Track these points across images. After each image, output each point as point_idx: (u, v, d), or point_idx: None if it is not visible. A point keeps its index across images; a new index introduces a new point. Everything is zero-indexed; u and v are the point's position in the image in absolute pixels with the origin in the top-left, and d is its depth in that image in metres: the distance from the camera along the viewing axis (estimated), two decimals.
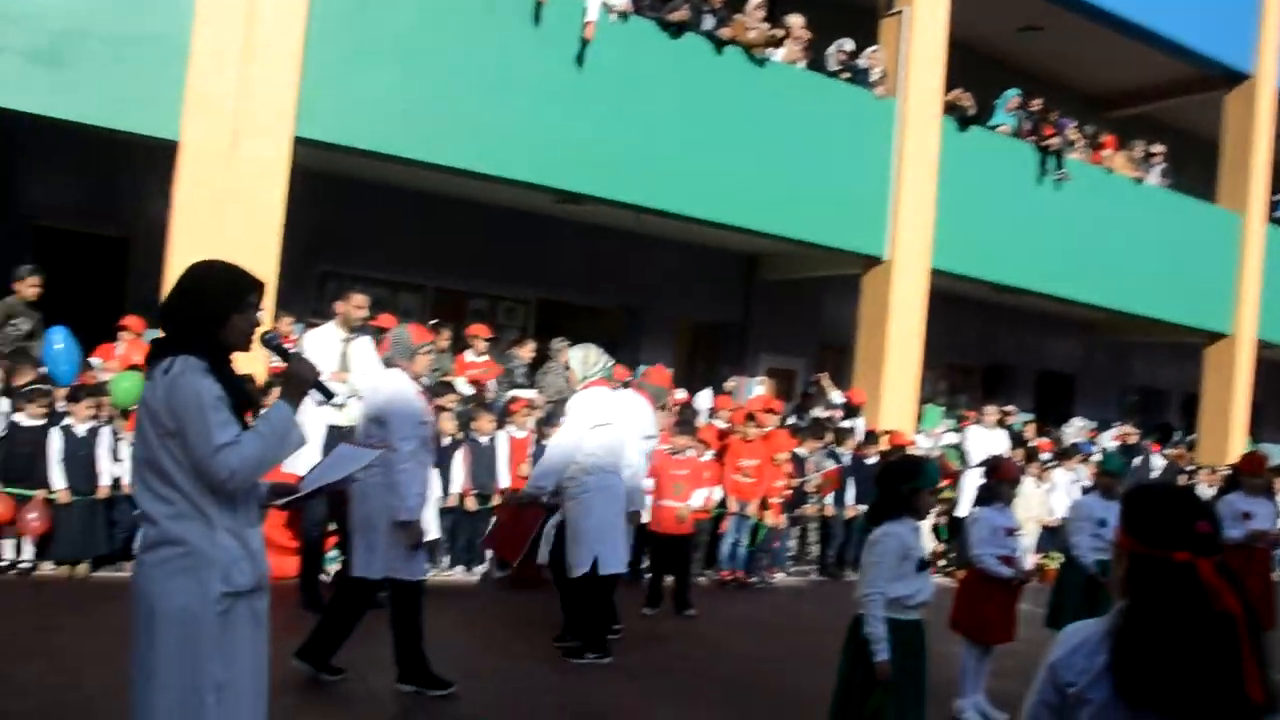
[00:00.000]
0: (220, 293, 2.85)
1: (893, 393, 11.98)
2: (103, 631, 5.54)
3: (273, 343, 3.00)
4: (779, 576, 9.32)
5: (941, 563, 10.22)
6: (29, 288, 7.47)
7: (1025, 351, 18.11)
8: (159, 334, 2.89)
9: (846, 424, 10.83)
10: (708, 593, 8.38)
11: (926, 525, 9.50)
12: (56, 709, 4.40)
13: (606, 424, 5.86)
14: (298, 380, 2.91)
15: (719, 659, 6.43)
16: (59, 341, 7.22)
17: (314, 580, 6.65)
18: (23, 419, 6.76)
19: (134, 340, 8.01)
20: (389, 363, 5.25)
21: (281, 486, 3.14)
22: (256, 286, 2.92)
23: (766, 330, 15.05)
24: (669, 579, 7.68)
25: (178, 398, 2.66)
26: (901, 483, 4.18)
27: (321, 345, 6.56)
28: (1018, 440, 11.81)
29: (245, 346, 2.91)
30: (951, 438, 11.61)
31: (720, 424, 9.92)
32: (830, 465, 9.54)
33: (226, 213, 8.19)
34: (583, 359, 6.15)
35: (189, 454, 2.67)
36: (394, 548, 4.88)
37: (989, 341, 17.59)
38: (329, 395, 3.40)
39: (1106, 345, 18.76)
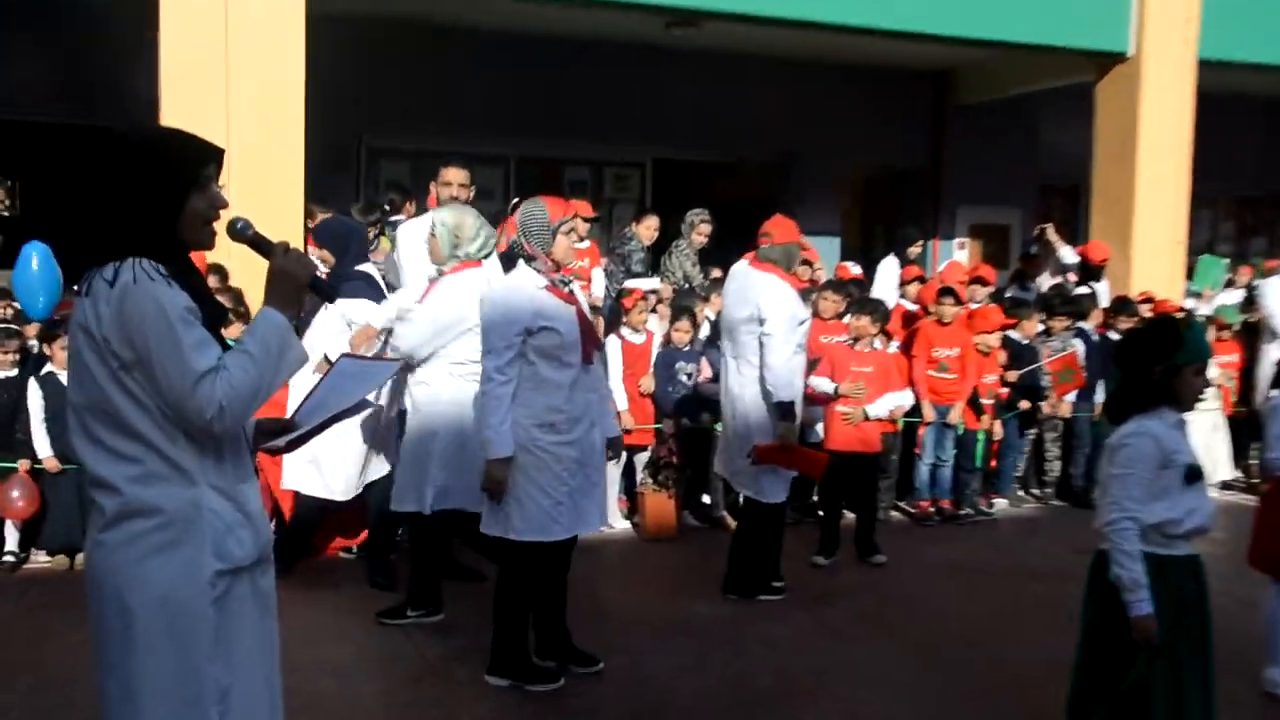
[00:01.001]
0: (169, 168, 2.67)
1: (1148, 242, 11.31)
2: None
3: (245, 233, 2.81)
4: (999, 504, 9.07)
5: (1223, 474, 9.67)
6: None
7: None
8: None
9: (1083, 290, 10.24)
10: (901, 531, 8.27)
11: (1198, 419, 8.89)
12: None
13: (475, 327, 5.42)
14: (287, 279, 2.76)
15: (915, 620, 6.29)
16: (35, 263, 7.22)
17: (386, 548, 6.66)
18: None
19: None
20: (512, 251, 5.12)
21: (271, 423, 3.02)
22: (215, 155, 2.76)
23: (966, 174, 14.57)
24: (848, 515, 7.52)
25: (133, 315, 2.51)
26: (1152, 359, 3.76)
27: (418, 242, 6.37)
28: None
29: (208, 241, 2.76)
30: (1237, 297, 10.84)
31: (907, 303, 9.53)
32: (1073, 347, 9.00)
33: (232, 80, 8.14)
34: (454, 226, 5.78)
35: (157, 390, 2.54)
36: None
37: None
38: (330, 295, 3.22)
39: None
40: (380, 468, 6.55)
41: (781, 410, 6.21)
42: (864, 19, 10.35)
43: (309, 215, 8.71)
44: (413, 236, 6.47)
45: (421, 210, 7.85)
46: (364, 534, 6.95)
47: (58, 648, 5.32)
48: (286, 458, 6.11)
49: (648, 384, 7.98)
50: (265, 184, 8.12)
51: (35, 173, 8.60)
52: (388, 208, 8.82)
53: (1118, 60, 11.51)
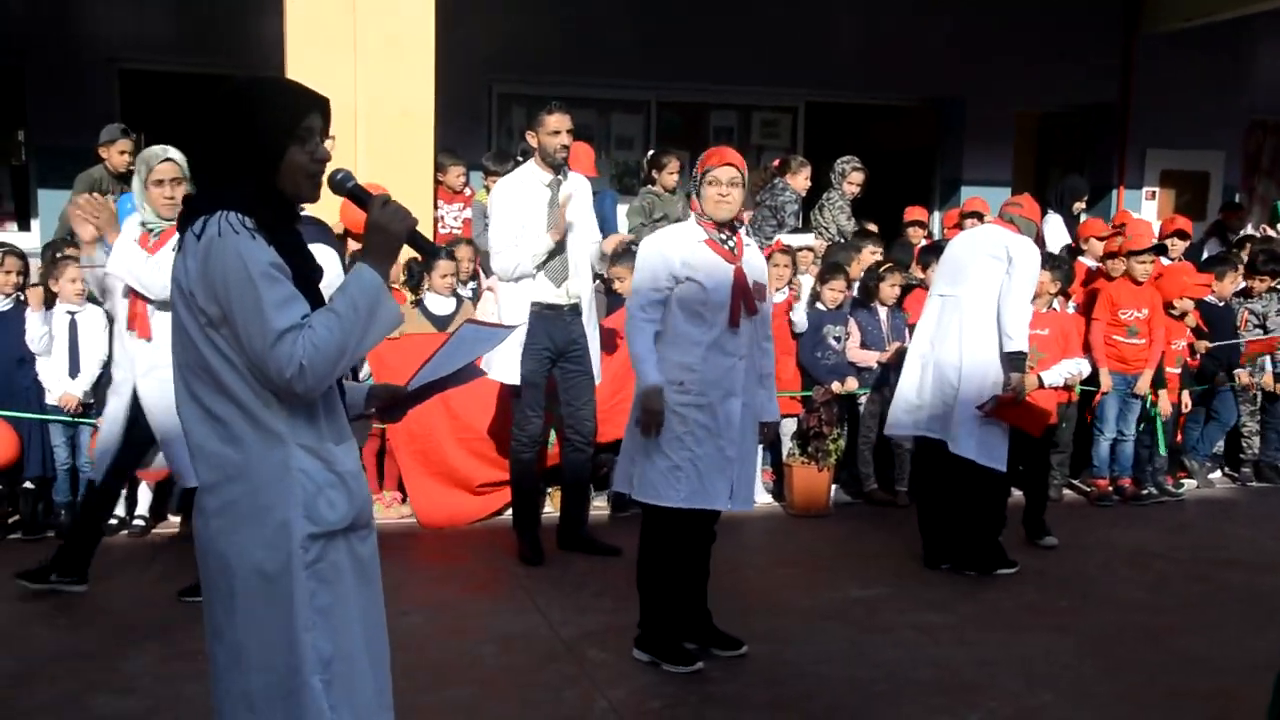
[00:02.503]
0: (265, 119, 2.75)
1: None
2: None
3: (346, 185, 2.91)
4: (1188, 485, 8.82)
5: None
6: (118, 154, 7.87)
7: None
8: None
9: None
10: (1075, 511, 8.14)
11: None
12: (168, 707, 4.71)
13: None
14: (383, 233, 2.80)
15: (1091, 611, 6.15)
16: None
17: (532, 520, 6.75)
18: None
19: None
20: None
21: (384, 388, 3.13)
22: (319, 105, 2.82)
23: (1157, 113, 14.07)
24: (1016, 494, 7.39)
25: (216, 269, 2.59)
26: None
27: (519, 197, 6.47)
28: None
29: (310, 194, 2.85)
30: None
31: (1089, 261, 9.27)
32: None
33: (360, 26, 8.30)
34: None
35: (241, 348, 2.63)
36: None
37: None
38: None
39: None
40: None
41: (1014, 361, 6.41)
42: None
43: (439, 168, 8.87)
44: (507, 193, 6.53)
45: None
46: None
47: (186, 615, 5.54)
48: None
49: None
50: (394, 135, 8.33)
51: (161, 124, 8.89)
52: (520, 158, 8.94)
53: None
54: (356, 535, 2.87)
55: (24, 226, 11.33)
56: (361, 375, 7.12)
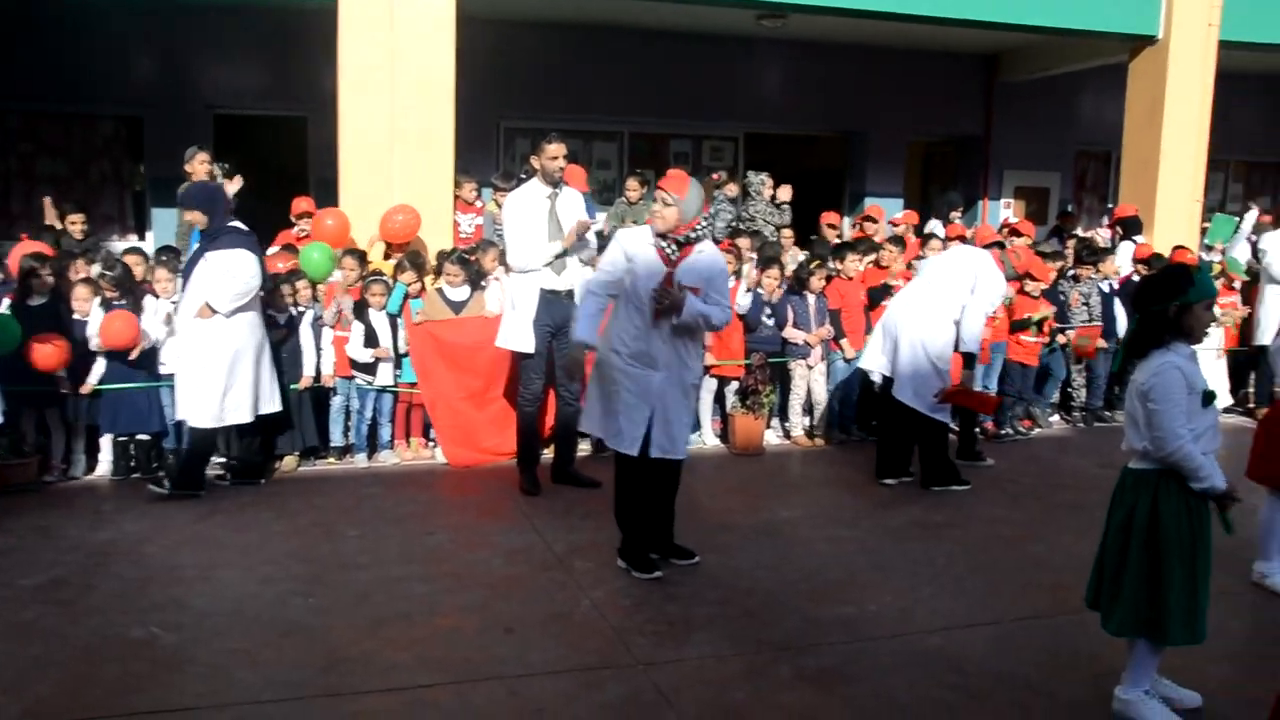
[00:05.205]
0: None
1: (1169, 201, 10.80)
2: (303, 531, 5.82)
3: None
4: (1037, 430, 8.75)
5: (1224, 402, 9.31)
6: (200, 165, 7.66)
7: None
8: None
9: (1103, 243, 9.88)
10: (949, 447, 7.90)
11: (1203, 354, 8.56)
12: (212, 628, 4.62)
13: None
14: None
15: (964, 526, 6.10)
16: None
17: (532, 460, 6.63)
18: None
19: (320, 215, 8.11)
20: None
21: None
22: None
23: (1012, 143, 14.06)
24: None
25: None
26: (1168, 298, 3.59)
27: (526, 206, 6.37)
28: None
29: None
30: (1246, 251, 10.31)
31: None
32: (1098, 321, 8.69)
33: (396, 74, 8.16)
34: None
35: None
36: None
37: None
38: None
39: None
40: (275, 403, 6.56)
41: (969, 361, 6.74)
42: (927, 9, 9.95)
43: (456, 184, 8.74)
44: (517, 204, 6.42)
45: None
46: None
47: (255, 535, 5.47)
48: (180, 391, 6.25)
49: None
50: (422, 159, 8.22)
51: (242, 154, 8.79)
52: (523, 176, 8.83)
53: (1148, 43, 10.91)
54: None
55: (141, 236, 11.38)
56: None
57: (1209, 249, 10.53)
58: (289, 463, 6.99)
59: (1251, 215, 10.87)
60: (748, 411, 7.64)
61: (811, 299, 8.02)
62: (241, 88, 11.23)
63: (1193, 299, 3.58)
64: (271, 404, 6.51)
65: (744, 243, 8.47)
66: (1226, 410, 9.28)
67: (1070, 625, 4.47)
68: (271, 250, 7.81)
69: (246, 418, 6.34)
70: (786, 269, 8.22)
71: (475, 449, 7.20)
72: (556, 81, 11.86)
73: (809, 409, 8.12)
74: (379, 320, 7.16)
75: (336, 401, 7.16)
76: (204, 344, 6.13)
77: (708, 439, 7.88)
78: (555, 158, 6.34)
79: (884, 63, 12.97)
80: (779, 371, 7.96)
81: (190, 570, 5.05)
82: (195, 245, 6.30)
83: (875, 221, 10.21)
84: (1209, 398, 3.63)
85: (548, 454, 6.96)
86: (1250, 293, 9.63)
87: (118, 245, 10.22)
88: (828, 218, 10.31)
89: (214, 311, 6.08)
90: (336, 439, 7.18)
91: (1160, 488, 3.61)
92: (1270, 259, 9.19)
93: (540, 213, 6.35)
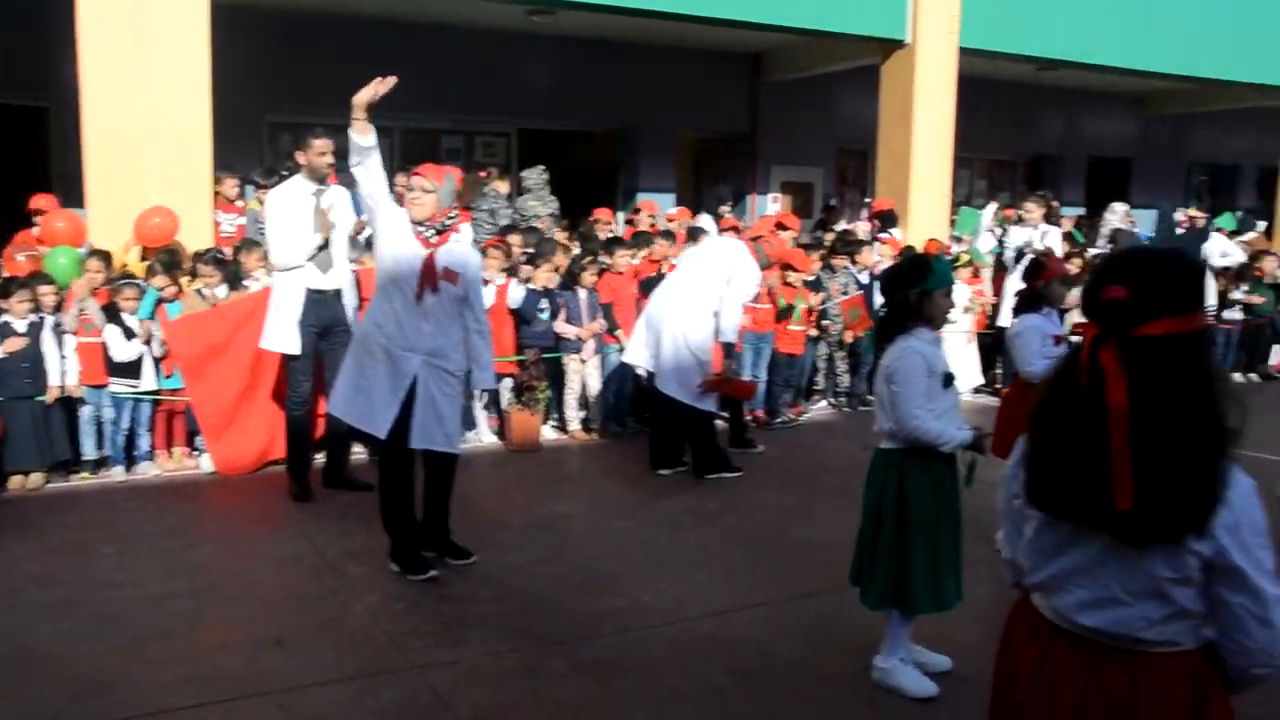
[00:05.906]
0: None
1: (921, 195, 11.55)
2: (52, 551, 5.45)
3: None
4: (805, 416, 9.06)
5: (974, 382, 10.01)
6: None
7: (1074, 138, 17.42)
8: None
9: (862, 236, 10.42)
10: (721, 435, 8.04)
11: (953, 337, 9.16)
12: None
13: None
14: None
15: (738, 512, 6.28)
16: None
17: (303, 464, 6.44)
18: None
19: (50, 217, 7.57)
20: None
21: None
22: None
23: (777, 139, 14.59)
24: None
25: None
26: (909, 286, 3.85)
27: (290, 202, 6.13)
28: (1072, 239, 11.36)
29: None
30: (990, 241, 11.14)
31: None
32: (857, 290, 9.12)
33: (146, 63, 7.69)
34: None
35: None
36: None
37: (1031, 130, 16.91)
38: None
39: (1164, 121, 17.95)
40: None
41: (728, 350, 6.89)
42: (690, 8, 10.25)
43: (217, 182, 8.34)
44: (279, 200, 6.21)
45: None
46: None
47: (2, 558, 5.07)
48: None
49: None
50: (177, 155, 7.76)
51: None
52: (285, 173, 8.51)
53: (897, 46, 11.63)
54: None
55: None
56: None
57: (957, 240, 11.31)
58: (35, 479, 6.49)
59: (992, 208, 11.74)
60: (524, 407, 7.65)
61: (583, 294, 8.10)
62: None
63: (932, 286, 3.84)
64: None
65: (515, 239, 8.46)
66: (976, 390, 10.01)
67: (837, 603, 4.67)
68: (21, 256, 7.24)
69: None
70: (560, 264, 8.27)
71: (246, 452, 6.89)
72: (324, 76, 11.44)
73: (584, 403, 8.21)
74: (134, 325, 6.74)
75: (86, 412, 6.70)
76: None
77: (484, 436, 7.86)
78: (323, 154, 6.18)
79: (654, 60, 13.23)
80: (553, 367, 8.01)
81: None
82: None
83: (653, 216, 10.45)
84: (949, 379, 3.91)
85: (320, 458, 6.76)
86: (997, 280, 10.39)
87: None
88: (599, 213, 10.44)
89: None
90: (89, 452, 6.72)
91: (906, 466, 3.86)
92: (1011, 250, 9.98)
93: (305, 209, 6.15)
